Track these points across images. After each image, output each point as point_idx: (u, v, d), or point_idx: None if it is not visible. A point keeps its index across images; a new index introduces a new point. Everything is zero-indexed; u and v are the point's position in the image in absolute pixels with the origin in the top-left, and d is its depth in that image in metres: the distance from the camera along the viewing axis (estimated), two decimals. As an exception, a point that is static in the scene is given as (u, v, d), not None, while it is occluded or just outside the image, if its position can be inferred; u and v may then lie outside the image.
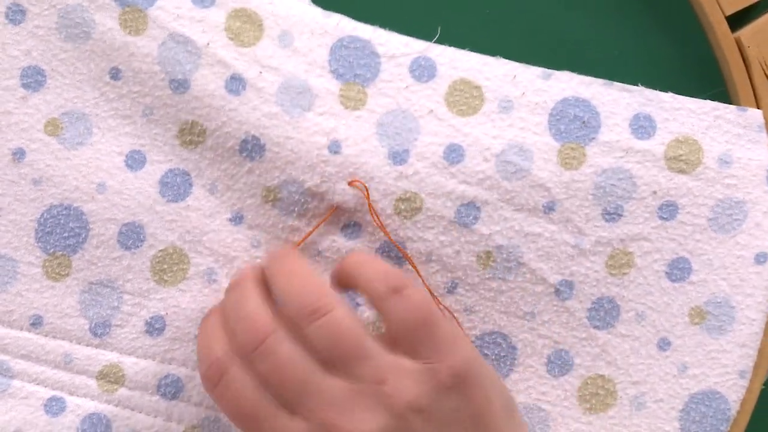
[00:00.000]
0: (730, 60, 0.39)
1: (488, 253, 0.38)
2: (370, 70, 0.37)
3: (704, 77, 0.40)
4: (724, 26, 0.39)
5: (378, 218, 0.37)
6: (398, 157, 0.37)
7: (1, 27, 0.37)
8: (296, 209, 0.37)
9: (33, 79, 0.37)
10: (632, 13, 0.40)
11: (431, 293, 0.38)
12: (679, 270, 0.38)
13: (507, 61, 0.38)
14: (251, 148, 0.37)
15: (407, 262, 0.38)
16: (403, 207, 0.37)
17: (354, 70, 0.37)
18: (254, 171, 0.37)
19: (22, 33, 0.37)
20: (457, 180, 0.37)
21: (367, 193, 0.37)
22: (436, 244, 0.38)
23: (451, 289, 0.38)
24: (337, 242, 0.38)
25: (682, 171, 0.38)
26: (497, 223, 0.38)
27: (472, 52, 0.38)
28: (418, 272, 0.38)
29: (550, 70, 0.38)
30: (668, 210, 0.38)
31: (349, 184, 0.37)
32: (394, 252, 0.38)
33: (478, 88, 0.37)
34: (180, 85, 0.37)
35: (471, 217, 0.37)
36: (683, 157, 0.38)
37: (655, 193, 0.38)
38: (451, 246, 0.38)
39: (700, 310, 0.39)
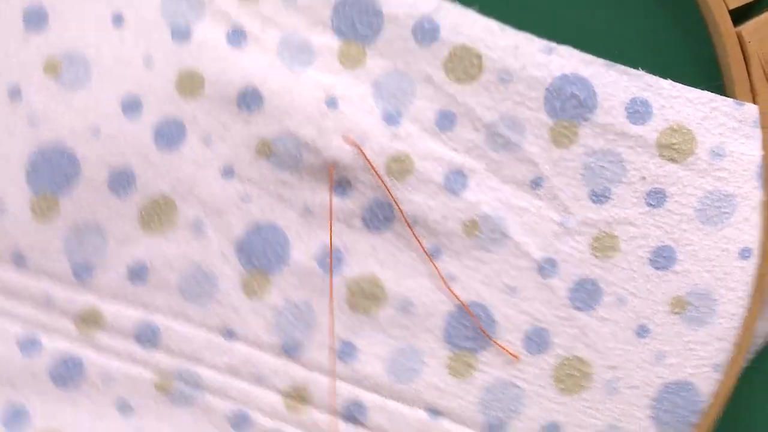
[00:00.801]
0: (731, 54, 0.39)
1: (474, 222, 0.38)
2: (371, 29, 0.37)
3: (702, 69, 0.40)
4: (727, 19, 0.39)
5: (377, 172, 0.37)
6: (392, 118, 0.37)
7: None
8: (289, 163, 0.37)
9: (35, 18, 0.37)
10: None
11: (431, 260, 0.38)
12: (663, 258, 0.38)
13: (512, 30, 0.38)
14: (249, 99, 0.37)
15: (397, 223, 0.38)
16: (395, 168, 0.37)
17: (356, 29, 0.38)
18: (250, 123, 0.37)
19: None
20: (447, 147, 0.37)
21: (362, 151, 0.37)
22: (424, 208, 0.38)
23: (435, 255, 0.38)
24: (327, 199, 0.38)
25: (673, 159, 0.38)
26: (485, 193, 0.38)
27: (479, 16, 0.38)
28: (413, 232, 0.38)
29: (553, 44, 0.38)
30: (656, 197, 0.38)
31: (344, 140, 0.37)
32: (383, 213, 0.38)
33: (478, 56, 0.37)
34: (181, 35, 0.37)
35: (459, 184, 0.38)
36: (676, 146, 0.38)
37: (644, 178, 0.38)
38: (438, 211, 0.38)
39: (681, 300, 0.38)
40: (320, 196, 0.38)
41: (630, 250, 0.38)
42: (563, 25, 0.39)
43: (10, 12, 0.37)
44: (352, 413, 0.39)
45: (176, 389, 0.39)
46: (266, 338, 0.38)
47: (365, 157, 0.37)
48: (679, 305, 0.38)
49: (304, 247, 0.38)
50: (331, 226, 0.39)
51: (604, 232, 0.38)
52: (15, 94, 0.37)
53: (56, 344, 0.38)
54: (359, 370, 0.38)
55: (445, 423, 0.39)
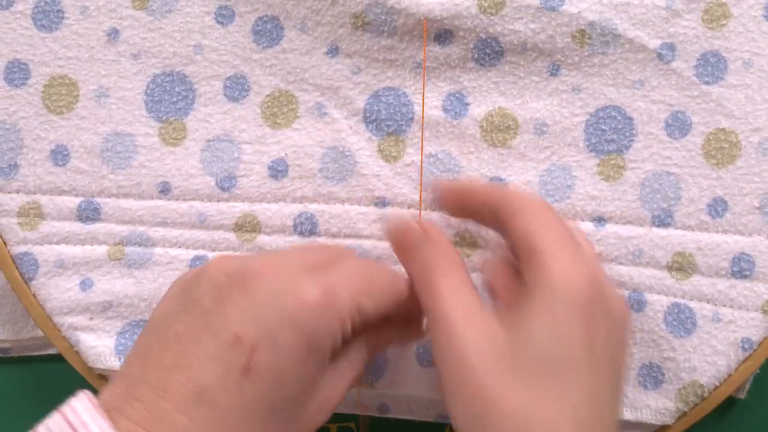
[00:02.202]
0: None
1: (582, 32, 0.38)
2: None
3: None
4: None
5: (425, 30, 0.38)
6: None
7: None
8: (386, 28, 0.38)
9: None
10: None
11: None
12: (777, 10, 0.38)
13: None
14: None
15: (509, 53, 0.38)
16: (486, 5, 0.38)
17: None
18: (338, 1, 0.38)
19: None
20: None
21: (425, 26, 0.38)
22: (528, 33, 0.38)
23: (554, 72, 0.38)
24: (434, 51, 0.38)
25: None
26: (584, 1, 0.38)
27: None
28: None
29: None
30: (753, -46, 0.38)
31: None
32: (491, 48, 0.38)
33: None
34: None
35: (557, 0, 0.38)
36: None
37: None
38: (544, 31, 0.38)
39: None
40: (424, 49, 0.39)
41: (741, 12, 0.38)
42: None
43: None
44: None
45: None
46: (415, 197, 0.39)
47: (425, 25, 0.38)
48: None
49: (425, 101, 0.39)
50: (424, 75, 0.39)
51: (711, 2, 0.38)
52: (113, 34, 0.39)
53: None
54: None
55: (611, 228, 0.39)
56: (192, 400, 0.28)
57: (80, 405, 0.28)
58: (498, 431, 0.29)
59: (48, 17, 0.39)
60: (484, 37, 0.38)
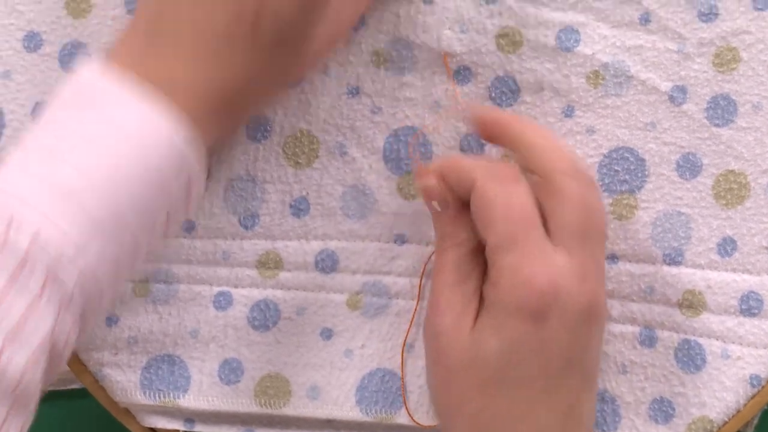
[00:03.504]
0: None
1: (596, 73, 0.39)
2: None
3: None
4: None
5: (447, 66, 0.39)
6: None
7: None
8: (406, 64, 0.39)
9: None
10: None
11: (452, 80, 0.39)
12: (785, 55, 0.39)
13: None
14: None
15: (525, 92, 0.39)
16: (504, 43, 0.39)
17: None
18: (361, 41, 0.39)
19: None
20: (549, 8, 0.39)
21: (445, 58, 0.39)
22: (544, 72, 0.39)
23: (569, 113, 0.39)
24: (451, 89, 0.39)
25: None
26: (598, 42, 0.39)
27: None
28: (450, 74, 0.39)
29: None
30: (763, 0, 0.39)
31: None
32: (507, 87, 0.39)
33: None
34: None
35: (572, 41, 0.39)
36: None
37: None
38: (559, 71, 0.39)
39: None
40: (441, 88, 0.39)
41: (752, 56, 0.39)
42: None
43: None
44: None
45: (366, 303, 0.40)
46: (432, 234, 0.40)
47: (445, 59, 0.39)
48: None
49: (442, 139, 0.40)
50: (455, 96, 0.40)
51: (722, 47, 0.39)
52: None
53: (246, 293, 0.40)
54: None
55: (624, 266, 0.40)
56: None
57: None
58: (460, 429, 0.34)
59: (75, 59, 0.40)
60: (501, 74, 0.39)
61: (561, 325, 0.33)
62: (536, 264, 0.33)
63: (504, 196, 0.34)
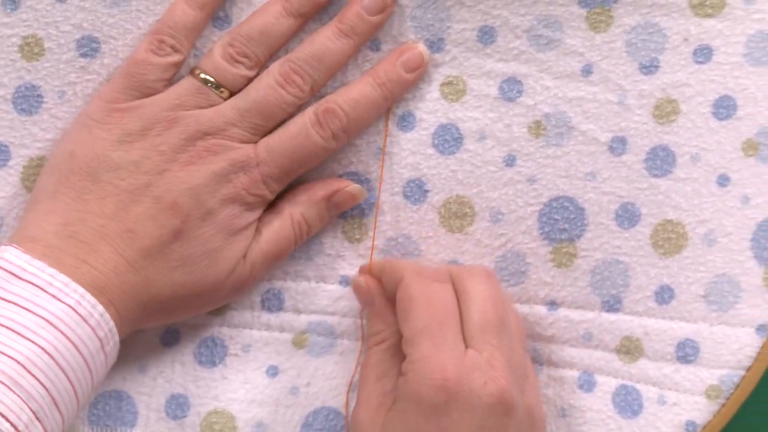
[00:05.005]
0: None
1: (538, 123, 0.40)
2: None
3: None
4: None
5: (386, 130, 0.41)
6: (434, 45, 0.40)
7: None
8: None
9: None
10: None
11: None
12: (724, 108, 0.40)
13: None
14: None
15: (467, 140, 0.40)
16: (448, 91, 0.40)
17: None
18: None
19: None
20: (494, 59, 0.40)
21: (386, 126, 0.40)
22: (486, 121, 0.40)
23: (510, 163, 0.40)
24: (396, 136, 0.40)
25: (709, 15, 0.40)
26: (540, 93, 0.40)
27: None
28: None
29: None
30: (703, 54, 0.40)
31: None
32: (450, 135, 0.40)
33: None
34: None
35: (515, 91, 0.40)
36: (708, 2, 0.40)
37: (686, 40, 0.40)
38: (501, 121, 0.40)
39: (752, 142, 0.40)
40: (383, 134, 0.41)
41: (691, 108, 0.40)
42: None
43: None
44: None
45: (311, 342, 0.42)
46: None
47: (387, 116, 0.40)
48: (752, 147, 0.40)
49: (385, 186, 0.41)
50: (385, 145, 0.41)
51: (662, 99, 0.40)
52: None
53: (192, 329, 0.41)
54: None
55: (563, 312, 0.41)
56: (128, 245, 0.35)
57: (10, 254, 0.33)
58: None
59: (28, 101, 0.40)
60: (444, 122, 0.40)
61: (465, 420, 0.34)
62: (445, 358, 0.34)
63: (426, 292, 0.36)
